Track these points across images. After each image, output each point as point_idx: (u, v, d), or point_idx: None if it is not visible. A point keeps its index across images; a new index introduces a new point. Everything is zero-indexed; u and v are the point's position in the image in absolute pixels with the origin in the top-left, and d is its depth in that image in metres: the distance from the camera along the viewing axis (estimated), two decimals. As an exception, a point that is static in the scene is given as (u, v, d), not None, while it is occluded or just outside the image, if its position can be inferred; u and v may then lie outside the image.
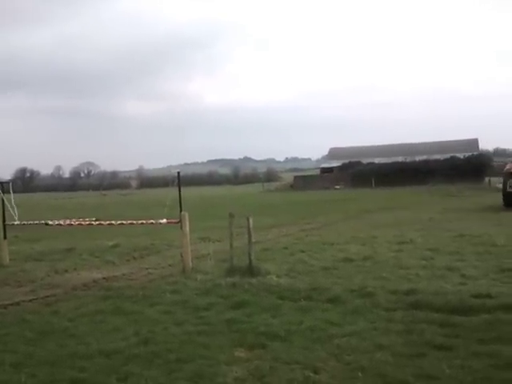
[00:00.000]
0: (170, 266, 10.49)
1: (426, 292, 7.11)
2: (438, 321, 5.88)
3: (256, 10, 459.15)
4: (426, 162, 54.05)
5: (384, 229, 15.27)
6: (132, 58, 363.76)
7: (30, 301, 7.90)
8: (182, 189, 10.09)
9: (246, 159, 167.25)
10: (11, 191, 11.91)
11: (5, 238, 11.52)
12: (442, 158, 53.35)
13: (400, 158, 57.64)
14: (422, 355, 4.89)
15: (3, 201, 11.45)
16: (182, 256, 9.70)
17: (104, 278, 9.50)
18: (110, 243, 14.02)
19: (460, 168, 49.04)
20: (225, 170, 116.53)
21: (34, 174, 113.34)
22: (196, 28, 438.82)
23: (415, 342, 5.25)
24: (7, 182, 12.69)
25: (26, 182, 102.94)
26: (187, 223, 9.71)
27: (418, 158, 56.12)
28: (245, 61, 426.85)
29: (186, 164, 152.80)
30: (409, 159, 56.70)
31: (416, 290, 7.21)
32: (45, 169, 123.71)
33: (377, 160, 59.45)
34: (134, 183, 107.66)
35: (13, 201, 11.43)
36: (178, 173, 10.50)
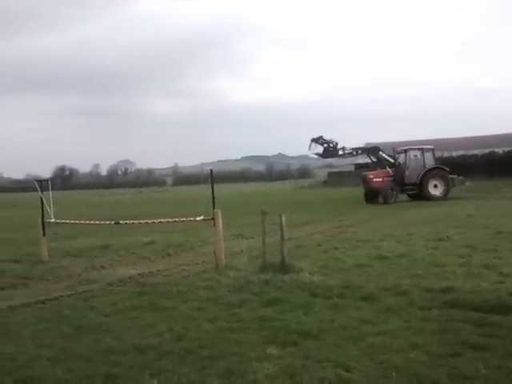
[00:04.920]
0: (203, 262, 10.56)
1: (463, 290, 6.95)
2: (474, 320, 5.74)
3: (279, 9, 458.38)
4: (463, 157, 52.77)
5: (419, 226, 15.00)
6: (157, 56, 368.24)
7: (68, 296, 8.09)
8: (215, 186, 10.14)
9: (280, 156, 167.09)
10: (50, 189, 12.21)
11: (44, 234, 11.83)
12: (479, 153, 51.99)
13: (437, 153, 56.46)
14: (458, 355, 4.79)
15: (42, 199, 11.75)
16: (215, 253, 9.76)
17: (139, 274, 9.65)
18: (146, 240, 14.23)
19: (499, 163, 47.75)
20: (258, 167, 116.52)
21: (72, 172, 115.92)
22: (219, 27, 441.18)
23: (451, 341, 5.14)
24: (46, 180, 13.01)
25: (64, 179, 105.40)
26: (220, 220, 9.76)
27: (455, 153, 54.83)
28: (271, 59, 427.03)
29: (220, 161, 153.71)
30: (446, 154, 55.48)
31: (452, 289, 7.06)
32: (83, 167, 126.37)
33: (412, 155, 58.41)
34: (169, 180, 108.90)
35: (51, 199, 11.72)
36: (211, 170, 10.57)
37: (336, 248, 11.49)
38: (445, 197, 27.14)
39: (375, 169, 29.03)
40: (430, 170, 27.64)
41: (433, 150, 28.84)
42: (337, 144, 28.43)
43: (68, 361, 5.07)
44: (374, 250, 10.86)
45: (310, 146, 28.67)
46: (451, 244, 11.28)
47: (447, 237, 12.20)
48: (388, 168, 27.86)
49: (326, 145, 28.54)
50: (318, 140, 28.53)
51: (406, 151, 28.24)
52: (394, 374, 4.45)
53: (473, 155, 51.84)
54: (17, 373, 4.81)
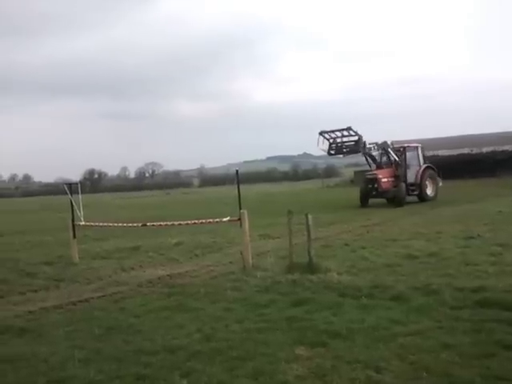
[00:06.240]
0: (230, 263, 10.60)
1: (495, 289, 6.82)
2: (507, 319, 5.62)
3: (300, 9, 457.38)
4: (493, 153, 51.76)
5: (449, 224, 14.76)
6: (181, 59, 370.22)
7: (98, 297, 8.22)
8: (241, 187, 10.16)
9: (305, 155, 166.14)
10: (79, 192, 12.43)
11: (74, 237, 12.04)
12: (510, 149, 50.93)
13: (466, 150, 55.45)
14: (491, 355, 4.70)
15: (72, 202, 11.95)
16: (242, 253, 9.79)
17: (168, 275, 9.75)
18: (174, 241, 14.37)
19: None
20: (284, 167, 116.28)
21: (101, 175, 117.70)
22: (241, 28, 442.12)
23: (483, 341, 5.05)
24: (76, 184, 13.25)
25: (94, 182, 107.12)
26: (247, 221, 9.77)
27: (485, 150, 53.86)
28: (294, 58, 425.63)
29: (246, 162, 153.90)
30: (475, 150, 54.50)
31: (484, 288, 6.93)
32: (112, 170, 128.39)
33: (441, 152, 57.55)
34: (195, 182, 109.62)
35: (81, 202, 11.91)
36: (237, 171, 10.59)
37: (364, 247, 11.39)
38: (435, 197, 26.07)
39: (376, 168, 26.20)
40: (425, 169, 26.28)
41: (423, 148, 27.60)
42: (360, 138, 24.72)
43: (99, 362, 5.15)
44: (402, 249, 10.73)
45: (318, 140, 25.22)
46: (482, 242, 11.07)
47: (478, 235, 11.99)
48: (394, 167, 25.28)
49: (331, 140, 25.28)
50: (325, 133, 25.10)
51: (404, 149, 26.04)
52: (425, 374, 4.39)
53: (503, 151, 50.69)
54: (50, 373, 4.92)
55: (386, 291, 7.15)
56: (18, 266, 11.60)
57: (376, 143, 25.69)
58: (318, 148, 25.51)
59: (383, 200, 25.34)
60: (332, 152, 25.78)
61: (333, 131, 25.32)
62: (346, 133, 25.07)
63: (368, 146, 25.26)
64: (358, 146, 24.85)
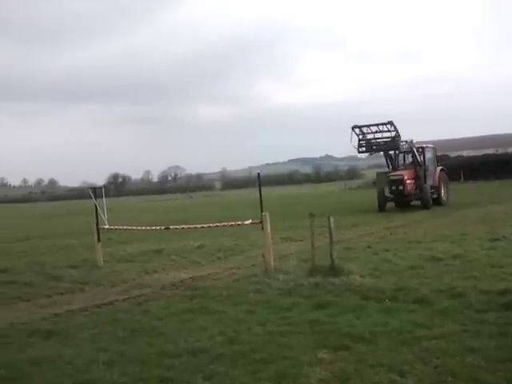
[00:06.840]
0: (252, 265, 10.61)
1: (522, 292, 6.69)
2: (535, 323, 5.52)
3: (318, 10, 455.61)
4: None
5: (474, 225, 14.54)
6: (200, 63, 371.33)
7: (123, 300, 8.32)
8: (263, 189, 10.18)
9: (328, 157, 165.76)
10: (103, 196, 12.59)
11: (99, 240, 12.19)
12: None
13: (491, 150, 54.63)
14: (518, 360, 4.61)
15: (96, 206, 12.12)
16: (264, 256, 9.79)
17: (190, 278, 9.82)
18: (196, 244, 14.44)
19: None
20: (306, 169, 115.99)
21: (125, 179, 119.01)
22: (259, 31, 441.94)
23: (509, 345, 4.97)
24: (100, 188, 13.43)
25: (118, 186, 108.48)
26: (268, 224, 9.78)
27: (510, 150, 53.00)
28: (313, 60, 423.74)
29: (268, 164, 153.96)
30: (500, 151, 53.66)
31: (510, 290, 6.82)
32: (135, 174, 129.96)
33: (465, 153, 56.83)
34: (217, 185, 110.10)
35: (105, 206, 12.07)
36: (259, 174, 10.62)
37: (387, 250, 11.30)
38: (447, 201, 24.72)
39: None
40: (440, 171, 24.93)
41: (435, 149, 26.24)
42: (399, 135, 22.62)
43: (123, 364, 5.21)
44: (426, 252, 10.61)
45: (350, 136, 23.18)
46: (508, 244, 10.90)
47: (504, 236, 11.80)
48: (415, 168, 23.64)
49: (361, 136, 23.25)
50: (357, 128, 23.11)
51: (423, 149, 24.29)
52: (449, 379, 4.33)
53: None
54: (75, 376, 4.99)
55: (410, 294, 7.08)
56: (44, 270, 11.79)
57: (406, 141, 23.59)
58: (351, 145, 23.52)
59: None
60: (362, 149, 23.69)
61: (369, 126, 23.36)
62: (385, 128, 23.13)
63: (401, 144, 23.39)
64: (397, 143, 22.95)
